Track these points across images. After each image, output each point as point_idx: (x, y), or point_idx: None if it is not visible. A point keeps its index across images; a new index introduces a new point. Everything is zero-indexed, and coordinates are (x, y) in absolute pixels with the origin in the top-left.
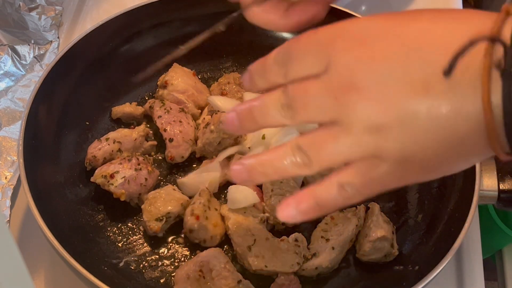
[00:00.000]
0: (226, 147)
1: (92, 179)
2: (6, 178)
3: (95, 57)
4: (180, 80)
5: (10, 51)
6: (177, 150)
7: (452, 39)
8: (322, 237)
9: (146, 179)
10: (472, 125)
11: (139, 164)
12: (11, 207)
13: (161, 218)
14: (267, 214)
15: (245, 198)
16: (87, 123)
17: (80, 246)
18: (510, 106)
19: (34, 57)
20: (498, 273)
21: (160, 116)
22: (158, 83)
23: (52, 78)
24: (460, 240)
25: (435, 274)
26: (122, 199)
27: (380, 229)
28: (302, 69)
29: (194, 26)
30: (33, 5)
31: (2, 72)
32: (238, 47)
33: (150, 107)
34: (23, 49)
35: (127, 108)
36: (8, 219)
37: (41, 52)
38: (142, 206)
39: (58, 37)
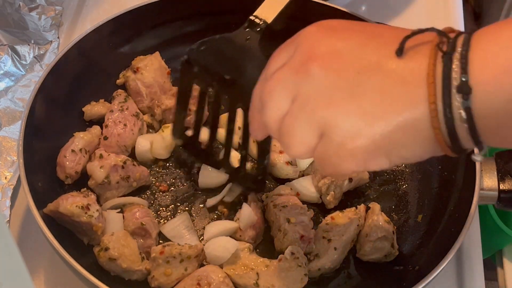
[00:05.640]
0: None
1: (62, 210)
2: (6, 178)
3: (95, 57)
4: (151, 73)
5: (10, 51)
6: (107, 150)
7: (403, 32)
8: (323, 237)
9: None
10: (416, 96)
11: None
12: (11, 207)
13: None
14: (248, 244)
15: (225, 250)
16: (87, 123)
17: (79, 246)
18: (448, 73)
19: (34, 57)
20: (498, 273)
21: (112, 111)
22: (133, 62)
23: (52, 78)
24: (460, 240)
25: (435, 274)
26: (99, 233)
27: (380, 229)
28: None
29: (194, 25)
30: (33, 5)
31: (2, 72)
32: None
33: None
34: (23, 49)
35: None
36: (8, 219)
37: (41, 52)
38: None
39: (58, 37)
